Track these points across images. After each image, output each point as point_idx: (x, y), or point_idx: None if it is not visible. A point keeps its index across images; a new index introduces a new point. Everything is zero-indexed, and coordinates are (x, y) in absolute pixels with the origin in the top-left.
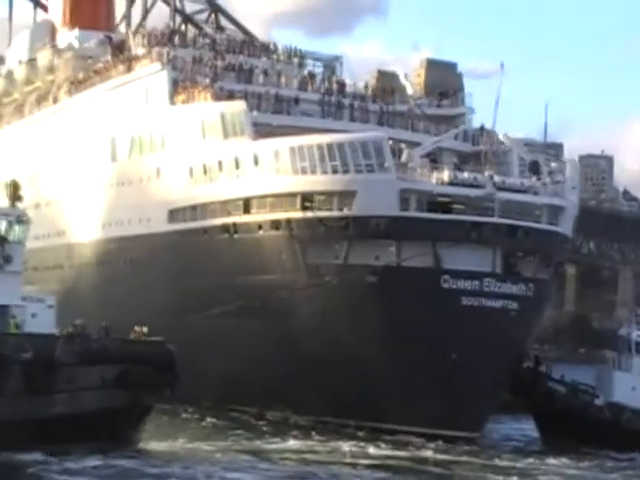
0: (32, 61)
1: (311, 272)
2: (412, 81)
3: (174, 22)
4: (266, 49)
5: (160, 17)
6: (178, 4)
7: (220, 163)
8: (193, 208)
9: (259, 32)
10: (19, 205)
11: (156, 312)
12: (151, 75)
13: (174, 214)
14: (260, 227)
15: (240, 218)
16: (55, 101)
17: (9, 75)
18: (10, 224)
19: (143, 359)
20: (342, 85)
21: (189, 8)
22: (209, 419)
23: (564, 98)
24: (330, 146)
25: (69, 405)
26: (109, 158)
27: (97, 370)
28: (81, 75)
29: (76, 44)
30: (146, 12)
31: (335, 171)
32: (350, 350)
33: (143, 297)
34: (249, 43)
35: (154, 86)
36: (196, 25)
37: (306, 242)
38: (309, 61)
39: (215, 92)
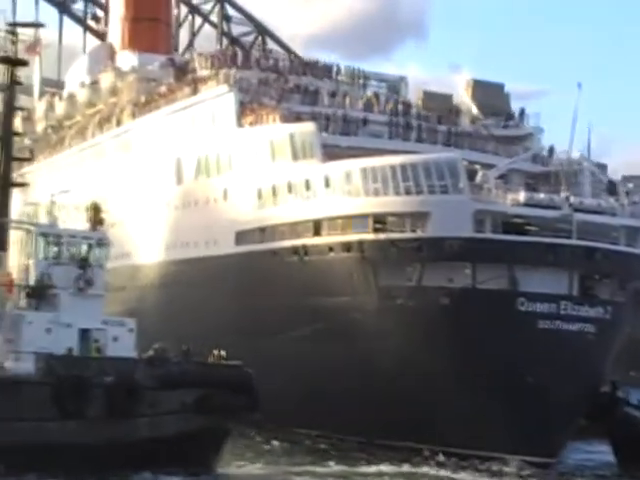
0: (94, 84)
1: (383, 294)
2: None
3: (221, 45)
4: (329, 70)
5: (206, 40)
6: (225, 27)
7: (290, 185)
8: (261, 230)
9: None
10: (100, 228)
11: (222, 334)
12: (218, 97)
13: (241, 236)
14: (331, 249)
15: (310, 240)
16: (118, 124)
17: (71, 98)
18: (91, 247)
19: (223, 383)
20: (408, 106)
21: (235, 31)
22: (284, 443)
23: (603, 116)
24: (403, 167)
25: (150, 429)
26: (174, 180)
27: (177, 394)
28: (144, 98)
29: (136, 67)
30: (193, 35)
31: (408, 192)
32: (423, 373)
33: (208, 319)
34: (312, 65)
35: (221, 108)
36: (242, 47)
37: (378, 264)
38: (373, 82)
39: (283, 114)
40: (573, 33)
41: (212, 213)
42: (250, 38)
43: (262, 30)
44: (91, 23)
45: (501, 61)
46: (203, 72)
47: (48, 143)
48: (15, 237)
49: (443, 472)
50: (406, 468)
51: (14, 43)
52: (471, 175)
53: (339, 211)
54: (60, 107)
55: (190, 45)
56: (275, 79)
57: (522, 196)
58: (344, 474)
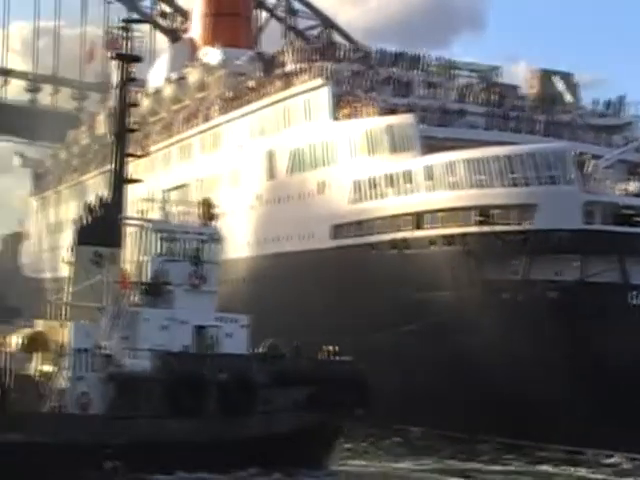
0: (180, 80)
1: (487, 288)
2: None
3: (288, 39)
4: (418, 61)
5: (271, 34)
6: (291, 21)
7: (389, 177)
8: (359, 223)
9: None
10: (212, 223)
11: (318, 329)
12: (312, 90)
13: (338, 230)
14: (432, 242)
15: (411, 233)
16: (206, 119)
17: (156, 94)
18: (204, 243)
19: (335, 380)
20: (502, 96)
21: (301, 24)
22: (393, 439)
23: None
24: (509, 158)
25: (264, 427)
26: (265, 174)
27: (290, 391)
28: (233, 92)
29: (224, 62)
30: (259, 30)
31: (514, 184)
32: (530, 369)
33: (302, 314)
34: (401, 56)
35: (316, 101)
36: (308, 41)
37: (482, 257)
38: (464, 72)
39: (380, 106)
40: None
41: (307, 207)
42: (316, 32)
43: (328, 23)
44: (159, 19)
45: (555, 50)
46: (292, 66)
47: (132, 140)
48: (129, 234)
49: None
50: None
51: (127, 40)
52: (580, 165)
53: (441, 204)
54: (144, 103)
55: (256, 39)
56: (365, 71)
57: (633, 186)
58: (467, 471)
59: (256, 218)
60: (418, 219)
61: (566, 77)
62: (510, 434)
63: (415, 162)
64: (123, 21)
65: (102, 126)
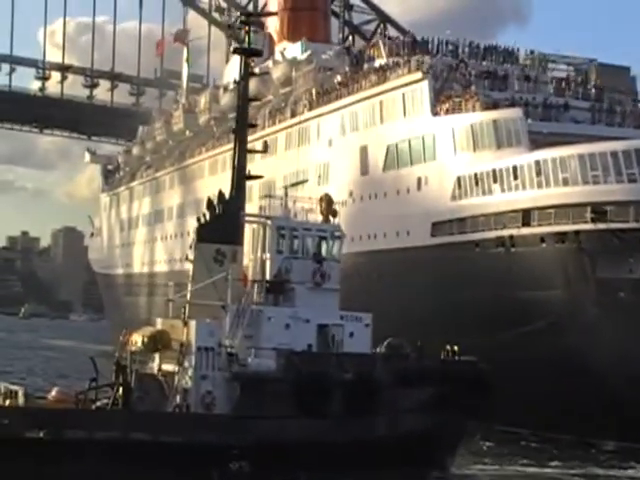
0: (263, 75)
1: (602, 287)
2: None
3: (343, 34)
4: (510, 54)
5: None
6: (347, 16)
7: (495, 173)
8: (461, 220)
9: None
10: (333, 220)
11: (417, 328)
12: (410, 85)
13: (438, 227)
14: (542, 240)
15: (518, 231)
16: (293, 115)
17: (237, 89)
18: (325, 240)
19: (460, 380)
20: (600, 90)
21: (357, 19)
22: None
23: None
24: (626, 153)
25: (388, 428)
26: (359, 170)
27: (415, 391)
28: (321, 88)
29: (311, 57)
30: None
31: (632, 180)
32: None
33: (399, 312)
34: (492, 49)
35: (414, 96)
36: (364, 36)
37: (596, 255)
38: (558, 65)
39: (483, 101)
40: None
41: (404, 204)
42: (371, 26)
43: (384, 18)
44: (215, 15)
45: (605, 44)
46: (384, 60)
47: (211, 136)
48: (249, 231)
49: None
50: None
51: (248, 33)
52: None
53: (552, 200)
54: (225, 99)
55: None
56: (459, 65)
57: None
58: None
59: (349, 215)
60: (526, 216)
61: (622, 70)
62: (628, 437)
63: (523, 158)
64: (242, 14)
65: (179, 122)
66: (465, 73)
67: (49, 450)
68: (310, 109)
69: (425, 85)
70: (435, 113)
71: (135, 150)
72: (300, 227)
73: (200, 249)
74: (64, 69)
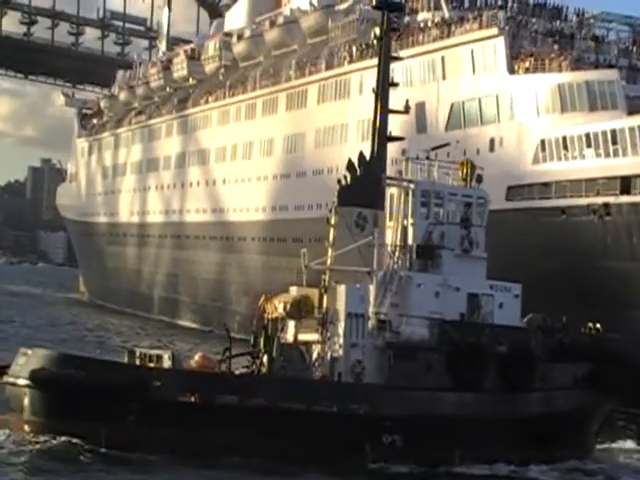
0: (290, 23)
1: None
2: None
3: None
4: (559, 12)
5: None
6: None
7: (588, 137)
8: (545, 185)
9: None
10: (477, 186)
11: None
12: (482, 40)
13: (516, 191)
14: None
15: (616, 199)
16: (328, 67)
17: (254, 38)
18: (471, 206)
19: (608, 358)
20: None
21: None
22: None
23: None
24: None
25: (542, 405)
26: (414, 128)
27: (569, 368)
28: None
29: (339, 6)
30: None
31: None
32: None
33: None
34: (540, 6)
35: (486, 52)
36: None
37: None
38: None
39: (572, 61)
40: None
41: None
42: None
43: None
44: None
45: None
46: (425, 14)
47: (221, 84)
48: (390, 195)
49: None
50: None
51: None
52: None
53: None
54: (239, 47)
55: None
56: (526, 22)
57: None
58: None
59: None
60: (625, 184)
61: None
62: None
63: (623, 121)
64: None
65: (182, 69)
66: (533, 31)
67: (199, 415)
68: (351, 62)
69: (501, 41)
70: (512, 71)
71: (122, 95)
72: (445, 191)
73: (341, 213)
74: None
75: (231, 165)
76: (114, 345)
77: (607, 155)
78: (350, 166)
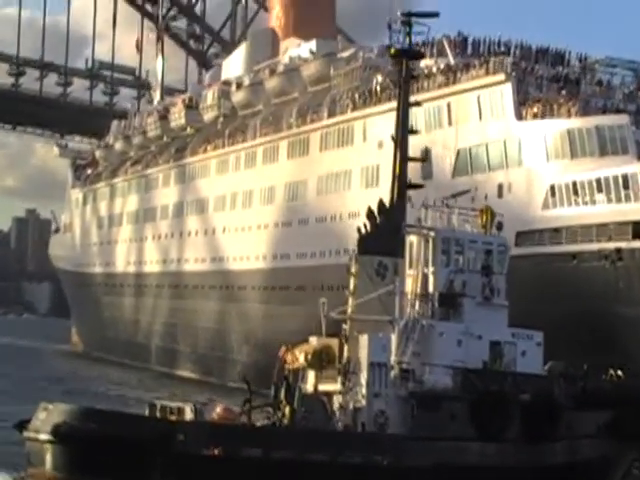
0: (290, 71)
1: None
2: None
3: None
4: (561, 57)
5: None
6: None
7: (599, 182)
8: (555, 231)
9: None
10: (498, 233)
11: None
12: (489, 87)
13: (525, 236)
14: None
15: (628, 243)
16: (331, 114)
17: (253, 86)
18: (491, 253)
19: (631, 405)
20: None
21: None
22: None
23: None
24: None
25: (567, 454)
26: (419, 174)
27: (592, 415)
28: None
29: (342, 53)
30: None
31: None
32: None
33: None
34: (543, 51)
35: (493, 98)
36: None
37: None
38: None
39: (580, 106)
40: None
41: None
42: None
43: None
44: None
45: None
46: (427, 61)
47: (220, 133)
48: (410, 243)
49: None
50: None
51: (410, 35)
52: None
53: None
54: (239, 96)
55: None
56: (532, 68)
57: None
58: None
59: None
60: (637, 228)
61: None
62: None
63: (635, 166)
64: (404, 15)
65: (180, 118)
66: (538, 77)
67: (224, 468)
68: (354, 109)
69: (508, 87)
70: (520, 117)
71: (118, 145)
72: (466, 239)
73: (362, 262)
74: (43, 67)
75: (231, 214)
76: (125, 397)
77: (618, 200)
78: (370, 214)
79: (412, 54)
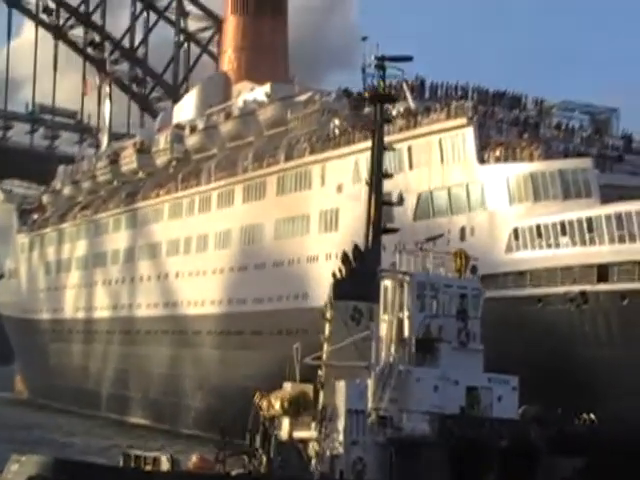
0: (246, 115)
1: None
2: None
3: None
4: (518, 101)
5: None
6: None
7: (563, 226)
8: (520, 274)
9: None
10: (471, 277)
11: None
12: (450, 130)
13: (489, 280)
14: (623, 296)
15: (593, 287)
16: (288, 158)
17: (208, 130)
18: (466, 297)
19: (606, 448)
20: (629, 140)
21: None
22: None
23: None
24: None
25: None
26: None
27: (570, 460)
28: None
29: (299, 97)
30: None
31: None
32: None
33: None
34: (500, 95)
35: (454, 142)
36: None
37: None
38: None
39: (543, 149)
40: None
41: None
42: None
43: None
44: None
45: None
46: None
47: (172, 177)
48: (384, 287)
49: None
50: None
51: (383, 79)
52: None
53: (636, 255)
54: (192, 140)
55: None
56: (492, 112)
57: None
58: None
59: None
60: (602, 271)
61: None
62: None
63: (599, 210)
64: (377, 59)
65: (131, 162)
66: (499, 120)
67: None
68: (312, 152)
69: (470, 131)
70: (482, 160)
71: (66, 190)
72: (441, 283)
73: (337, 307)
74: None
75: (185, 258)
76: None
77: (583, 243)
78: (345, 259)
79: (387, 98)
